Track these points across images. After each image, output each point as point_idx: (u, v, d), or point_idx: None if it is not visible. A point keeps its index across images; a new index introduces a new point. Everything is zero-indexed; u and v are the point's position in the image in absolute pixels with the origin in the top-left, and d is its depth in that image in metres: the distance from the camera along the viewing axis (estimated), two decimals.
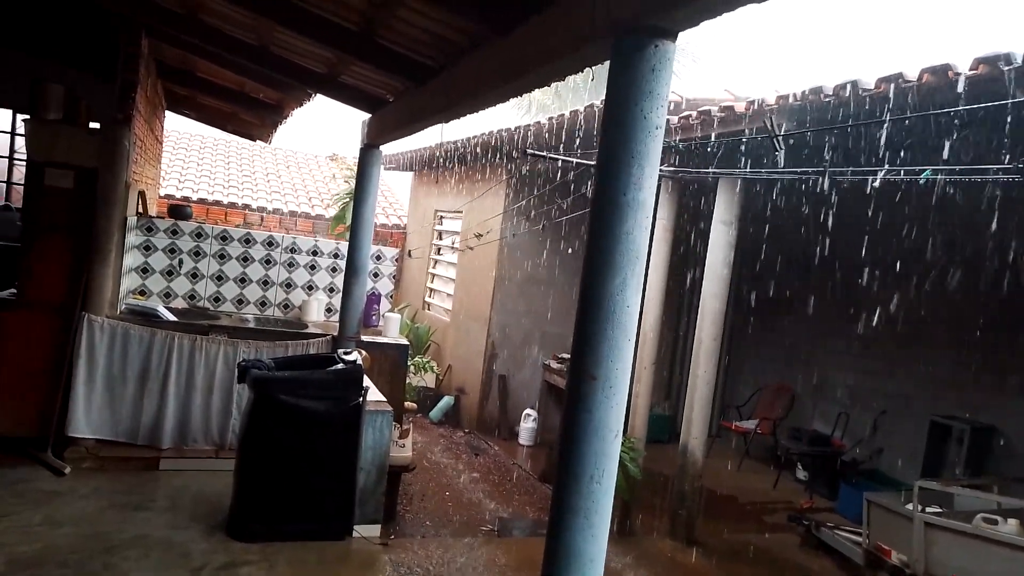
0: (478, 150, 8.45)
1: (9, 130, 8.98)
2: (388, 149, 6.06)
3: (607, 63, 2.13)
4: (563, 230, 7.73)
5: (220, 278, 6.25)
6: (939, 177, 4.03)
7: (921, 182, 3.89)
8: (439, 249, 10.46)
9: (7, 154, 9.03)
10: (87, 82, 6.44)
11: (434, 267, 10.49)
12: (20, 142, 9.00)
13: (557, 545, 2.06)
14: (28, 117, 5.20)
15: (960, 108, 3.50)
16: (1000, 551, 4.26)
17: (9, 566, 3.61)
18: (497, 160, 8.52)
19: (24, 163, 5.45)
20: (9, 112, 8.91)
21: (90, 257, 5.17)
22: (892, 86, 3.88)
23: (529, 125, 6.99)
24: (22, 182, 6.49)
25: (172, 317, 5.53)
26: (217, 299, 6.26)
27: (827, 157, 4.80)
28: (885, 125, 4.06)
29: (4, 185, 9.11)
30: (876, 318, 7.05)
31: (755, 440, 7.97)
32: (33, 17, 6.99)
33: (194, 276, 6.18)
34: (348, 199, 10.79)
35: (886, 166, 4.11)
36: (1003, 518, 4.47)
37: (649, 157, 2.01)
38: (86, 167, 5.19)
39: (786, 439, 7.65)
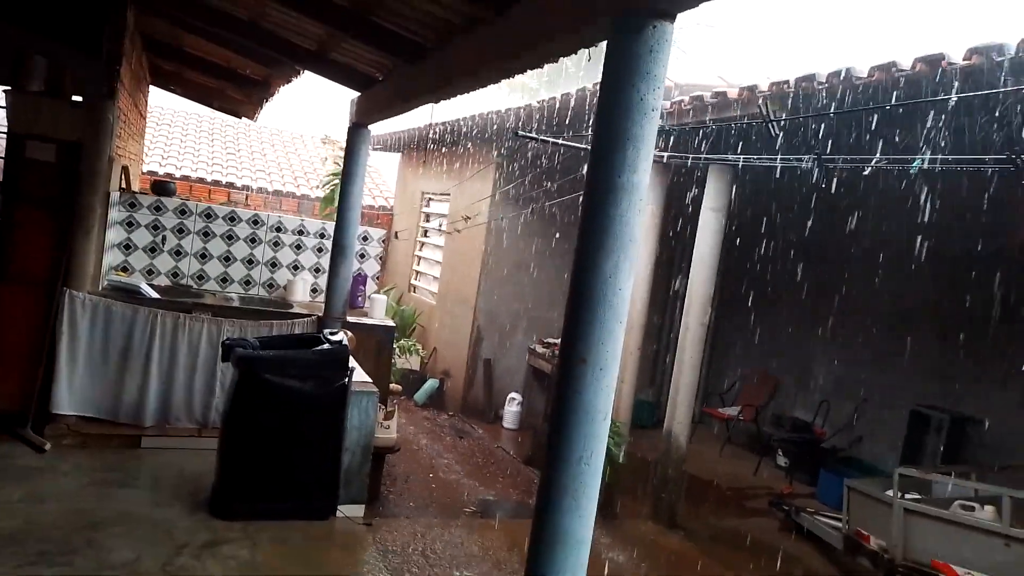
0: (466, 132, 8.39)
1: None
2: (376, 129, 6.00)
3: (603, 44, 2.11)
4: (551, 214, 7.71)
5: (204, 256, 6.19)
6: (931, 167, 4.05)
7: (912, 171, 3.90)
8: (426, 231, 10.41)
9: None
10: (71, 55, 6.31)
11: (421, 249, 10.44)
12: (0, 114, 8.85)
13: (545, 525, 2.06)
14: (8, 88, 5.09)
15: (952, 96, 3.50)
16: (977, 537, 4.34)
17: None
18: (486, 142, 8.47)
19: (4, 135, 5.34)
20: None
21: (72, 232, 5.09)
22: (886, 75, 3.88)
23: (520, 108, 6.94)
24: (1, 154, 6.35)
25: (155, 295, 5.47)
26: (201, 277, 6.19)
27: (817, 145, 4.81)
28: (877, 113, 4.07)
29: None
30: (861, 308, 7.11)
31: (737, 426, 8.04)
32: None
33: (177, 254, 6.11)
34: (338, 180, 10.69)
35: (877, 155, 4.12)
36: (980, 505, 4.56)
37: (644, 139, 2.00)
38: (69, 140, 5.09)
39: (768, 426, 7.72)
